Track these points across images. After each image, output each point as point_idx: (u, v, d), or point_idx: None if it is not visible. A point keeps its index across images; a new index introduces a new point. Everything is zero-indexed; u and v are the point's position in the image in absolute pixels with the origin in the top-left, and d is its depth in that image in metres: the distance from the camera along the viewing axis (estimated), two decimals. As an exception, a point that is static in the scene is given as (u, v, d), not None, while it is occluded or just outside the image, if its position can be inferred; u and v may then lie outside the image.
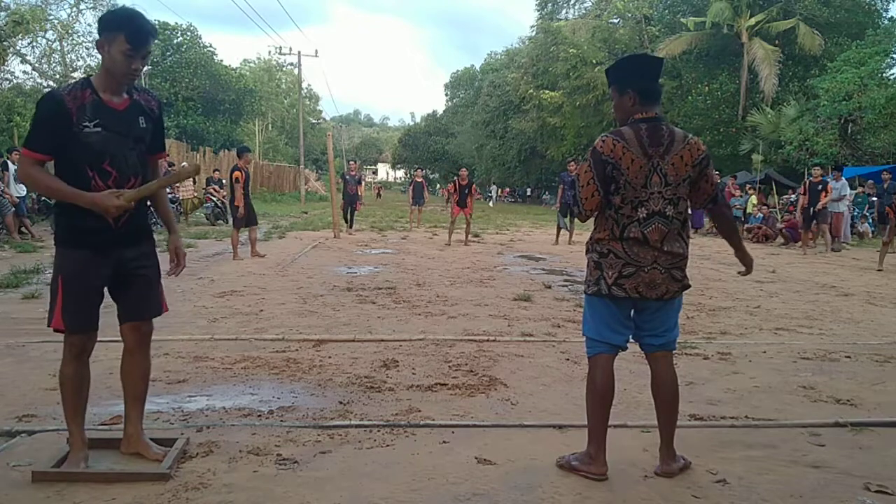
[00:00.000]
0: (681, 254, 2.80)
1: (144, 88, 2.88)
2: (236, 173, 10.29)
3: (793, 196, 20.48)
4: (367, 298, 7.11)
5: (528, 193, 52.77)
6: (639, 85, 2.82)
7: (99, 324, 2.79)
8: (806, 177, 20.81)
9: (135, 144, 2.73)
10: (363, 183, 18.14)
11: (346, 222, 16.49)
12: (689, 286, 2.88)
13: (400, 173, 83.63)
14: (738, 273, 3.10)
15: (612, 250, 2.76)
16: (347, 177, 16.82)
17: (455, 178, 13.90)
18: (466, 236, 14.20)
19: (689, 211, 2.88)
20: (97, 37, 2.66)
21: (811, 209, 13.63)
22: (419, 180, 19.09)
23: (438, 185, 69.91)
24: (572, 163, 15.56)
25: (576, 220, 14.89)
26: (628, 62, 2.96)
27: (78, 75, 23.36)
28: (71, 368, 2.74)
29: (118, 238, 2.72)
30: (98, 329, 2.79)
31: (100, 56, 2.66)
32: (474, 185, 14.37)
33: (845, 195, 14.75)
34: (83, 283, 2.68)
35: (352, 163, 18.67)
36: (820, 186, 13.58)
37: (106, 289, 2.78)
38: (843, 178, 14.85)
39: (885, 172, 15.56)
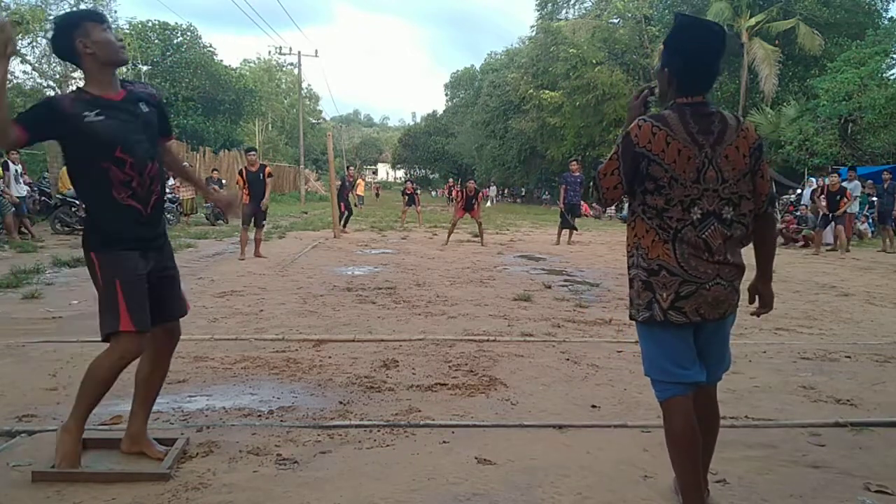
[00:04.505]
0: (742, 265, 2.36)
1: (138, 81, 2.88)
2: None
3: (793, 196, 20.48)
4: (367, 298, 7.11)
5: (523, 193, 52.66)
6: (677, 64, 2.27)
7: None
8: (806, 177, 20.84)
9: (144, 128, 2.73)
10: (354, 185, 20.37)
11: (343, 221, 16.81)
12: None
13: (400, 173, 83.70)
14: (752, 314, 2.52)
15: (663, 266, 2.26)
16: (347, 183, 18.08)
17: (464, 188, 14.74)
18: (481, 237, 14.40)
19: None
20: (70, 47, 2.61)
21: (830, 215, 13.75)
22: (410, 192, 20.46)
23: (432, 189, 69.63)
24: (574, 162, 15.50)
25: (577, 220, 14.93)
26: (676, 30, 2.32)
27: (79, 75, 23.28)
28: (114, 372, 2.66)
29: (152, 231, 2.76)
30: None
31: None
32: (480, 194, 15.10)
33: (857, 196, 14.92)
34: (140, 282, 2.69)
35: (350, 168, 20.46)
36: (839, 196, 13.67)
37: None
38: (857, 180, 15.13)
39: (885, 172, 15.55)
